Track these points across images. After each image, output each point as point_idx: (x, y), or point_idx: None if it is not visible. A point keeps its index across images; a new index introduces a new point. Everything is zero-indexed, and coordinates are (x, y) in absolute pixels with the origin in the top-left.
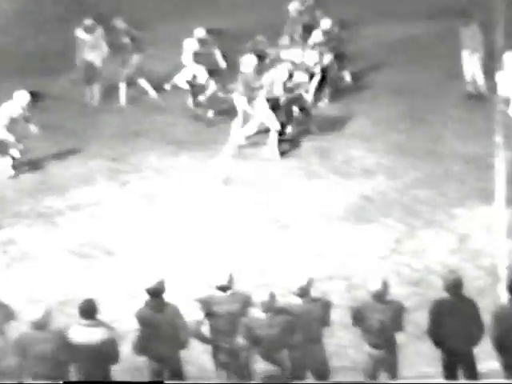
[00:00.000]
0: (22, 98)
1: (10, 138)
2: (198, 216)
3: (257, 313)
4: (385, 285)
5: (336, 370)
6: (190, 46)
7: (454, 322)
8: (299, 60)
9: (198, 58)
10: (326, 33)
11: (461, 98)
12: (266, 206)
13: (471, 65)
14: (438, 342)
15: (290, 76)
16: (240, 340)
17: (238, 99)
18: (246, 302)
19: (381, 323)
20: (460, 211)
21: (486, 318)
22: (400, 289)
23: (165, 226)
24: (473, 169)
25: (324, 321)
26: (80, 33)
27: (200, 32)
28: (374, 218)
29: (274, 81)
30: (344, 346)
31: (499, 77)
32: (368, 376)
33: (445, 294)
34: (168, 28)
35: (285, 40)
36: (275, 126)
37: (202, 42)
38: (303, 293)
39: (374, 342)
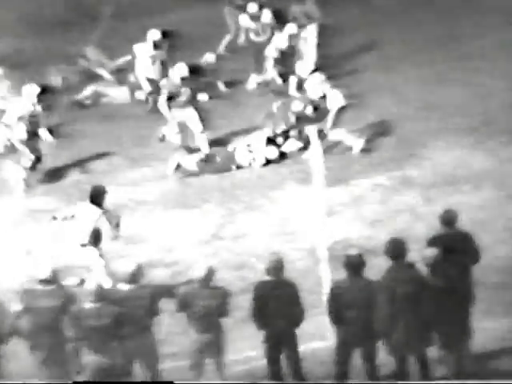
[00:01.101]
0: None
1: None
2: (21, 210)
3: (85, 303)
4: (209, 270)
5: (165, 356)
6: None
7: (276, 305)
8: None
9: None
10: None
11: None
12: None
13: None
14: (261, 324)
15: None
16: (68, 332)
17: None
18: (69, 298)
19: (206, 309)
20: (279, 194)
21: (308, 298)
22: (224, 273)
23: None
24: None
25: (152, 309)
26: None
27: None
28: (194, 203)
29: None
30: (172, 332)
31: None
32: (194, 361)
33: (267, 277)
34: None
35: None
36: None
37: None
38: (131, 280)
39: (200, 328)
